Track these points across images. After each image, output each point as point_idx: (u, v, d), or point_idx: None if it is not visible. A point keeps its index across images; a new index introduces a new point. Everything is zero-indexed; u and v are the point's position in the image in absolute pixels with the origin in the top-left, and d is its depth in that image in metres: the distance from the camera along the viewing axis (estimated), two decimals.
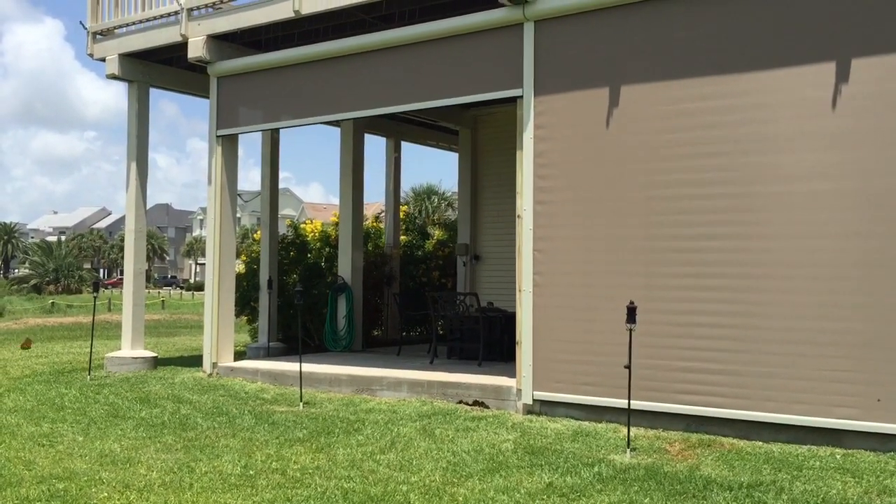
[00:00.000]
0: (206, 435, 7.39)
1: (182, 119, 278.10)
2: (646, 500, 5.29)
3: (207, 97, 11.42)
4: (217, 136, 11.15)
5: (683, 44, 7.63)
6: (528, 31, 8.45)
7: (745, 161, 7.28)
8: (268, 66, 10.76)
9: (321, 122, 10.76)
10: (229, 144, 11.24)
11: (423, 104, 9.55)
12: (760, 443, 6.94)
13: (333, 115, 10.35)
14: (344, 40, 10.09)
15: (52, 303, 40.81)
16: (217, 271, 11.06)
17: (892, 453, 6.45)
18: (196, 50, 10.90)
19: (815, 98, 6.98)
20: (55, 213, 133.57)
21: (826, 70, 6.93)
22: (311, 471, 6.09)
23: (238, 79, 11.07)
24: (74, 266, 67.42)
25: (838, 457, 6.41)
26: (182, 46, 11.18)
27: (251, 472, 6.05)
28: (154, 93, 12.31)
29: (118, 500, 5.38)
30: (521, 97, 8.48)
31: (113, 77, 11.89)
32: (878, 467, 6.07)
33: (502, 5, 8.51)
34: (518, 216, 8.50)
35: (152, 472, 6.09)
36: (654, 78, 7.76)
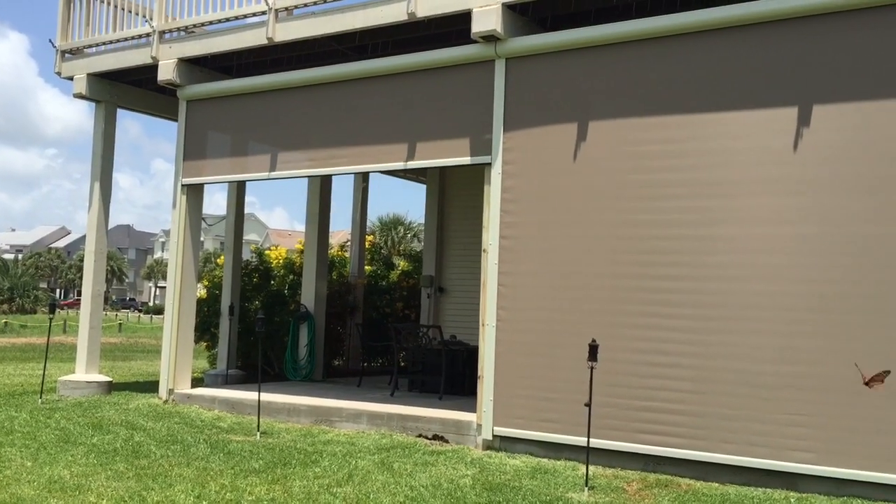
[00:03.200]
0: (159, 463, 7.23)
1: (145, 139, 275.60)
2: None
3: (176, 120, 11.34)
4: (182, 186, 11.03)
5: (650, 86, 7.78)
6: (500, 69, 8.56)
7: (707, 204, 7.40)
8: (239, 91, 10.74)
9: (293, 177, 10.64)
10: (194, 193, 11.14)
11: (385, 166, 9.49)
12: (717, 484, 6.98)
13: (304, 168, 10.30)
14: (317, 69, 10.12)
15: (6, 322, 39.86)
16: (177, 298, 10.91)
17: (846, 498, 6.53)
18: (166, 73, 10.85)
19: (777, 144, 7.14)
20: (13, 230, 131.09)
21: (789, 117, 7.10)
22: (265, 502, 5.99)
23: (208, 103, 11.02)
24: (30, 285, 66.04)
25: (793, 500, 6.47)
26: (152, 68, 11.11)
27: (204, 503, 5.93)
28: (118, 112, 12.20)
29: None
30: (491, 133, 8.56)
31: (81, 97, 11.77)
32: None
33: (475, 42, 8.61)
34: (484, 250, 8.53)
35: (102, 500, 5.94)
36: (620, 117, 7.89)
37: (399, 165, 9.42)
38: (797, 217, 7.03)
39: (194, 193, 11.08)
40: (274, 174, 10.37)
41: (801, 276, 6.97)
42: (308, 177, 11.69)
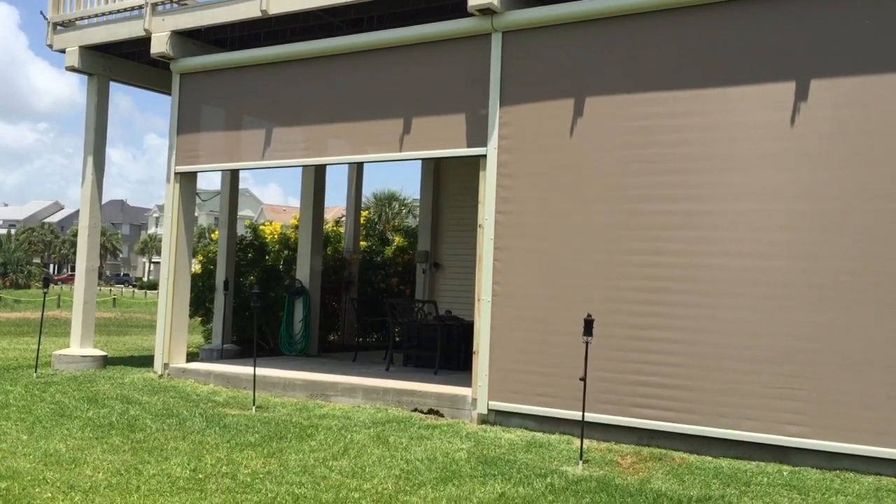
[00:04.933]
0: (154, 437, 7.25)
1: (137, 114, 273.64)
2: None
3: (169, 93, 11.26)
4: (175, 174, 10.95)
5: (646, 61, 7.73)
6: (496, 43, 8.50)
7: (702, 179, 7.39)
8: (232, 64, 10.65)
9: (288, 166, 10.62)
10: (187, 181, 11.07)
11: (385, 155, 9.45)
12: (710, 458, 7.03)
13: (297, 157, 10.27)
14: (311, 42, 10.03)
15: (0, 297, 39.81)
16: (171, 274, 10.89)
17: (838, 471, 6.59)
18: (159, 45, 10.75)
19: (772, 120, 7.12)
20: (6, 205, 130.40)
21: (784, 92, 7.08)
22: (261, 476, 6.01)
23: (202, 77, 10.93)
24: (24, 260, 65.88)
25: (785, 473, 6.52)
26: (145, 41, 11.01)
27: (200, 476, 5.95)
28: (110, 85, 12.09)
29: (62, 500, 5.24)
30: (487, 108, 8.51)
31: (73, 69, 11.66)
32: (824, 485, 6.19)
33: (472, 15, 8.54)
34: (480, 225, 8.52)
35: (98, 473, 5.96)
36: (615, 92, 7.85)
37: (394, 156, 9.37)
38: (791, 193, 7.02)
39: (188, 177, 11.01)
40: (268, 162, 10.35)
41: (795, 251, 6.98)
42: (303, 166, 11.66)
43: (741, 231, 7.20)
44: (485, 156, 8.50)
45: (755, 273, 7.12)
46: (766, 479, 6.33)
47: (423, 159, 13.14)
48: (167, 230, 11.02)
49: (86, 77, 11.95)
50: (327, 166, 12.93)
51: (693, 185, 7.43)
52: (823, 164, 6.90)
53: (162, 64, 11.34)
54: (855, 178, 6.78)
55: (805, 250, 6.94)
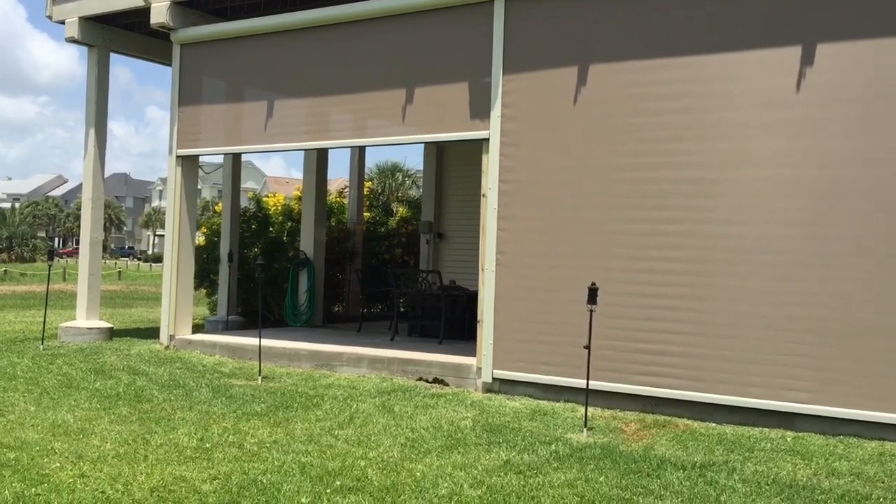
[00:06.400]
0: (161, 407, 7.31)
1: (136, 86, 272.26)
2: (601, 479, 5.36)
3: (170, 64, 11.19)
4: (177, 157, 10.90)
5: (650, 27, 7.65)
6: (499, 9, 8.40)
7: (707, 146, 7.34)
8: (233, 34, 10.57)
9: (290, 149, 10.62)
10: (189, 163, 11.03)
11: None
12: (714, 424, 7.06)
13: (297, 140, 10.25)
14: (312, 11, 9.94)
15: (5, 271, 39.94)
16: (176, 248, 10.90)
17: (841, 437, 6.61)
18: (159, 15, 10.66)
19: (778, 86, 7.06)
20: (9, 179, 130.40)
21: (790, 57, 7.01)
22: (268, 444, 6.06)
23: (202, 47, 10.85)
24: (28, 234, 65.96)
25: (789, 439, 6.55)
26: (144, 11, 10.92)
27: (207, 445, 6.00)
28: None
29: (71, 470, 5.29)
30: (490, 76, 8.45)
31: (72, 41, 11.58)
32: (828, 450, 6.22)
33: None
34: (483, 195, 8.49)
35: (106, 443, 6.01)
36: (620, 60, 7.78)
37: (396, 139, 9.34)
38: (796, 159, 6.98)
39: (190, 159, 10.97)
40: (270, 146, 10.34)
41: (800, 218, 6.95)
42: (305, 149, 11.61)
43: (746, 198, 7.17)
44: (488, 125, 8.45)
45: (760, 240, 7.09)
46: (769, 444, 6.36)
47: (425, 143, 13.14)
48: (170, 209, 11.01)
49: (85, 49, 11.87)
50: None
51: (699, 153, 7.38)
52: (830, 130, 6.85)
53: (162, 34, 11.26)
54: (862, 143, 6.73)
55: (811, 217, 6.91)
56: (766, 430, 6.87)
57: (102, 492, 4.88)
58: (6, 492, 4.82)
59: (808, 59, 6.94)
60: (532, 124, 8.25)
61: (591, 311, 6.76)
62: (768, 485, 5.31)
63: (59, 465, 5.41)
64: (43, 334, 11.30)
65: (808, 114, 6.94)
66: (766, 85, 7.11)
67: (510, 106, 8.35)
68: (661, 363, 7.43)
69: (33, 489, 4.89)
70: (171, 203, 11.02)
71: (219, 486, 5.02)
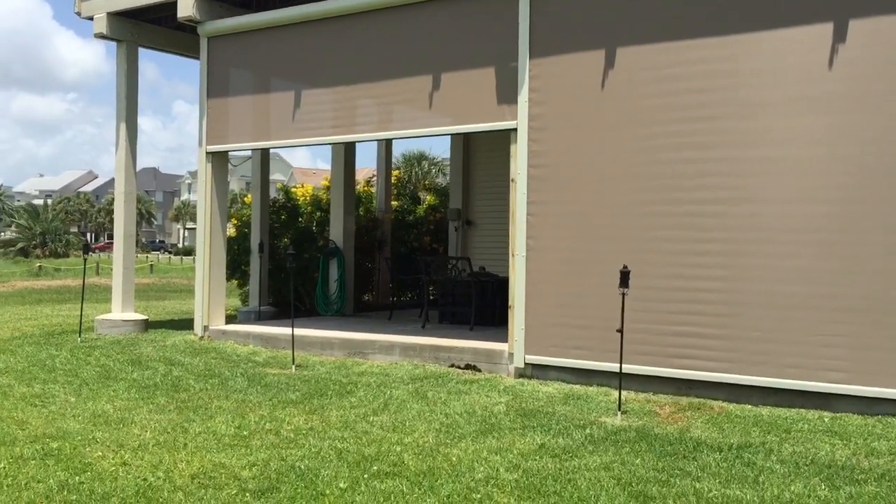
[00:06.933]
0: (198, 396, 7.41)
1: (163, 81, 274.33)
2: (637, 461, 5.35)
3: (198, 58, 11.27)
4: (207, 153, 10.99)
5: (677, 7, 7.57)
6: None
7: (738, 126, 7.26)
8: (259, 26, 10.61)
9: (318, 143, 10.67)
10: (218, 159, 11.10)
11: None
12: (750, 406, 7.01)
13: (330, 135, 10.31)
14: (337, 1, 9.94)
15: (40, 266, 40.59)
16: (208, 240, 11.01)
17: (880, 416, 6.54)
18: (186, 9, 10.73)
19: (807, 62, 6.96)
20: (41, 175, 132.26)
21: (819, 34, 6.90)
22: (304, 431, 6.12)
23: (229, 39, 10.91)
24: (61, 230, 66.90)
25: (826, 420, 6.49)
26: (171, 5, 10.98)
27: (245, 433, 6.08)
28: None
29: (112, 458, 5.39)
30: (517, 61, 8.41)
31: (101, 36, 11.70)
32: (866, 430, 6.15)
33: None
34: (512, 180, 8.47)
35: (146, 432, 6.11)
36: (648, 41, 7.71)
37: (425, 132, 9.36)
38: (828, 137, 6.88)
39: (219, 155, 11.05)
40: (297, 140, 10.42)
41: (832, 196, 6.86)
42: (333, 143, 11.68)
43: (779, 177, 7.09)
44: (515, 110, 8.41)
45: (794, 219, 7.01)
46: (806, 425, 6.31)
47: (452, 134, 13.15)
48: (202, 203, 11.11)
49: (112, 45, 12.03)
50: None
51: (729, 132, 7.31)
52: (862, 105, 6.74)
53: (189, 28, 11.34)
54: (893, 119, 6.61)
55: (844, 194, 6.82)
56: (802, 410, 6.81)
57: (144, 479, 4.97)
58: (51, 480, 4.93)
59: (838, 35, 6.82)
60: (560, 108, 8.20)
61: (623, 294, 6.73)
62: (807, 465, 5.28)
63: (100, 453, 5.51)
64: (80, 327, 11.49)
65: (839, 90, 6.82)
66: (795, 62, 7.01)
67: (538, 90, 8.31)
68: (696, 345, 7.39)
69: (77, 477, 4.99)
70: (202, 197, 11.13)
71: (258, 473, 5.08)
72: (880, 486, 4.86)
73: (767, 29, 7.15)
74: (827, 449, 5.67)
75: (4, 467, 5.19)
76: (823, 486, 4.85)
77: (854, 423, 6.39)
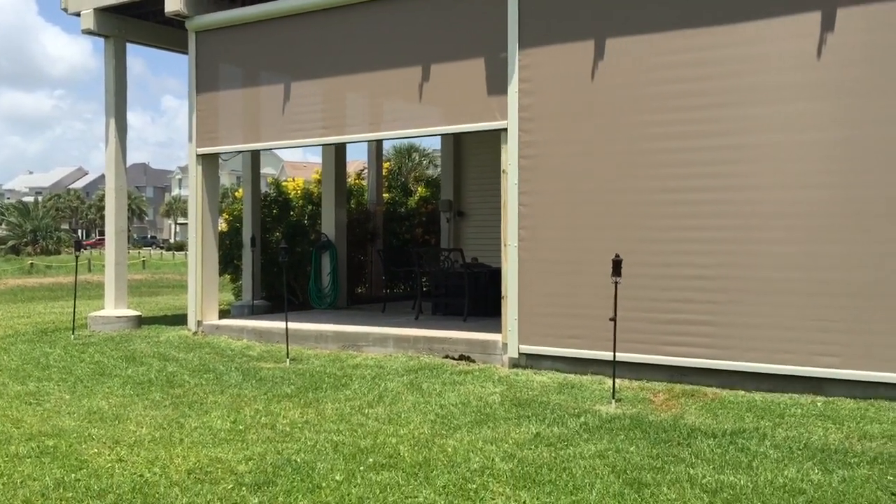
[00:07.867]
0: (193, 392, 7.40)
1: (150, 76, 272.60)
2: (632, 448, 5.38)
3: (186, 52, 11.22)
4: (197, 156, 10.96)
5: None
6: None
7: (731, 113, 7.28)
8: (247, 19, 10.56)
9: (308, 145, 10.65)
10: (208, 160, 11.06)
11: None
12: (743, 392, 7.05)
13: (323, 135, 10.27)
14: None
15: (31, 264, 40.44)
16: (200, 236, 10.99)
17: (872, 400, 6.58)
18: (174, 4, 10.67)
19: (801, 49, 6.97)
20: (31, 173, 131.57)
21: (812, 20, 6.91)
22: (300, 425, 6.13)
23: (217, 34, 10.86)
24: (52, 227, 66.64)
25: (819, 404, 6.54)
26: (159, 0, 10.93)
27: (241, 427, 6.08)
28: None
29: (108, 455, 5.39)
30: (506, 51, 8.40)
31: (89, 32, 11.63)
32: (859, 414, 6.20)
33: None
34: (503, 171, 8.48)
35: (142, 427, 6.11)
36: (640, 30, 7.70)
37: (414, 132, 9.34)
38: (822, 122, 6.90)
39: (209, 157, 11.01)
40: (288, 143, 10.43)
41: (826, 181, 6.89)
42: (323, 144, 11.66)
43: (772, 163, 7.11)
44: (505, 101, 8.41)
45: (787, 205, 7.04)
46: (800, 410, 6.35)
47: (442, 134, 13.11)
48: (193, 203, 11.09)
49: (99, 41, 11.94)
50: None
51: (722, 120, 7.32)
52: (855, 91, 6.76)
53: (177, 23, 11.29)
54: (887, 104, 6.64)
55: (838, 179, 6.84)
56: (795, 395, 6.85)
57: (140, 475, 4.97)
58: (47, 478, 4.92)
59: (830, 21, 6.83)
60: (551, 98, 8.20)
61: (616, 283, 6.75)
62: (800, 450, 5.31)
63: (96, 450, 5.51)
64: (73, 324, 11.46)
65: (832, 76, 6.84)
66: (788, 49, 7.02)
67: (528, 80, 8.31)
68: (689, 332, 7.42)
69: (73, 475, 4.98)
70: (192, 195, 11.10)
71: (254, 467, 5.09)
72: (873, 469, 4.90)
73: (759, 17, 7.14)
74: (820, 433, 5.71)
75: (0, 466, 5.18)
76: (817, 470, 4.89)
77: (847, 407, 6.43)
